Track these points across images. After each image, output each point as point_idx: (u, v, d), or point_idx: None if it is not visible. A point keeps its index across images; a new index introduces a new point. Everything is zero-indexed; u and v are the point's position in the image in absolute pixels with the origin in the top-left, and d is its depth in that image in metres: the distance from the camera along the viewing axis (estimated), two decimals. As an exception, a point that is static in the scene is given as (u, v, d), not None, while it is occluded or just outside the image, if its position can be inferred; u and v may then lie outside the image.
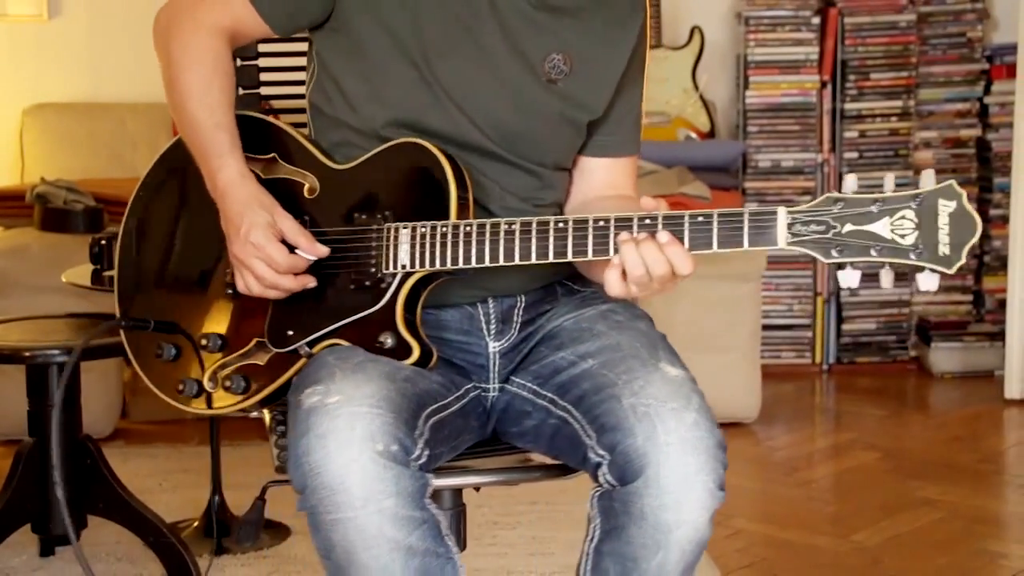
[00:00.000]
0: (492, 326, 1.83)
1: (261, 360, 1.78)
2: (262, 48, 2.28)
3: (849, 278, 1.55)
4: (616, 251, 1.60)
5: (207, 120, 1.76)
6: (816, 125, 4.54)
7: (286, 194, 1.77)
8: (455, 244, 1.68)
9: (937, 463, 3.58)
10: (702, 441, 1.60)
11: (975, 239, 1.51)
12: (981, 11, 4.54)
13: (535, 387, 1.79)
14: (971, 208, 1.51)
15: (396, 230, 1.72)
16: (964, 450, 3.72)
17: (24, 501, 2.61)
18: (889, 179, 1.57)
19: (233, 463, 3.18)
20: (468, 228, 1.68)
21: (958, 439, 3.82)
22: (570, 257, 1.64)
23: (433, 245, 1.70)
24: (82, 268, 3.05)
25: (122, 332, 1.91)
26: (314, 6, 1.79)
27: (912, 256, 1.52)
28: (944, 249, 1.51)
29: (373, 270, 1.73)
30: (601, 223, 1.61)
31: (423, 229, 1.70)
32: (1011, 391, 4.16)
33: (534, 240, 1.66)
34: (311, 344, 1.75)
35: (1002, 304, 4.31)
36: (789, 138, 4.54)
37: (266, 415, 1.88)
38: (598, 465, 1.63)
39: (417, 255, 1.71)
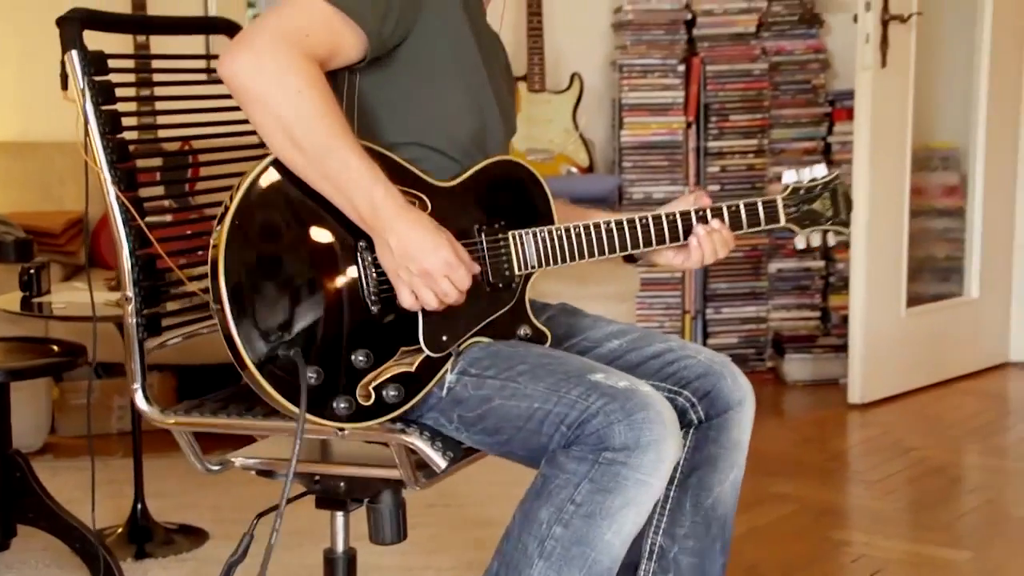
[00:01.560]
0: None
1: (411, 367, 1.75)
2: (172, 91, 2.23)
3: (800, 242, 2.01)
4: (689, 236, 1.93)
5: (351, 145, 1.68)
6: (683, 161, 4.56)
7: None
8: (571, 243, 1.86)
9: (790, 461, 3.62)
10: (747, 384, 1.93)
11: (852, 209, 2.05)
12: (823, 61, 4.61)
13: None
14: (846, 188, 2.05)
15: (521, 236, 1.84)
16: (813, 450, 3.76)
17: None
18: (820, 168, 2.04)
19: (154, 473, 3.13)
20: (577, 229, 1.87)
21: (808, 440, 3.86)
22: (654, 246, 1.93)
23: (553, 246, 1.86)
24: (12, 295, 2.98)
25: (263, 370, 1.68)
26: (403, 23, 1.76)
27: (833, 222, 2.02)
28: (844, 216, 2.03)
29: (508, 273, 1.83)
30: (671, 218, 1.92)
31: (543, 234, 1.85)
32: (853, 397, 4.21)
33: (628, 234, 1.90)
34: (460, 345, 1.79)
35: (845, 319, 4.35)
36: (659, 172, 4.55)
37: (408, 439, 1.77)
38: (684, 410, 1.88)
39: (543, 255, 1.85)
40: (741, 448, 1.93)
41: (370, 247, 1.73)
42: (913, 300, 4.40)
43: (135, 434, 2.96)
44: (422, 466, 1.78)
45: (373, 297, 1.73)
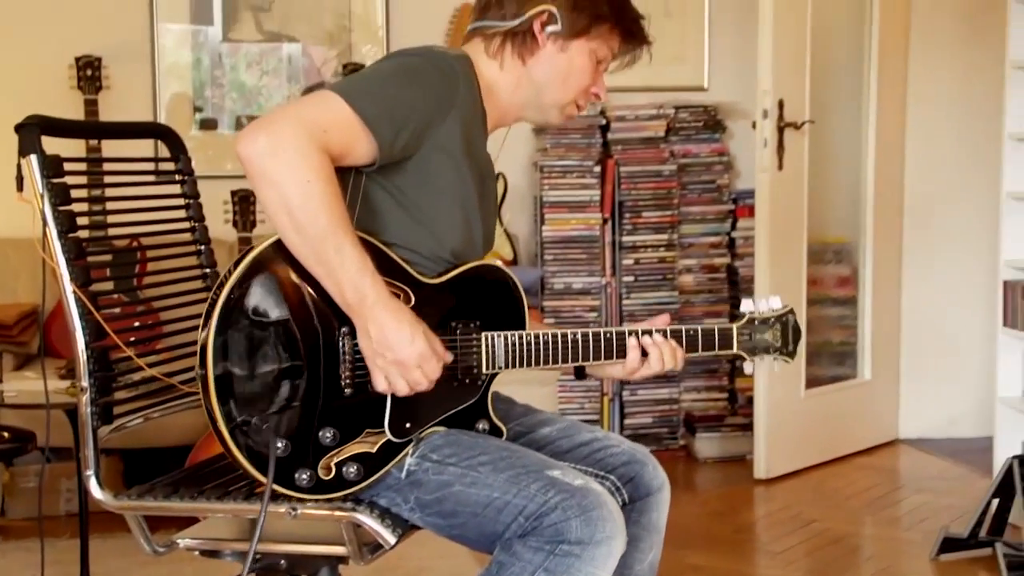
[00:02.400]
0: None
1: (372, 447, 1.76)
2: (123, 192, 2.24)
3: (749, 367, 2.04)
4: (643, 352, 1.95)
5: (347, 235, 1.70)
6: (600, 254, 4.60)
7: None
8: (539, 349, 1.87)
9: (701, 534, 3.64)
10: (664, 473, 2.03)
11: (803, 340, 2.09)
12: (727, 163, 4.71)
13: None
14: (799, 323, 2.07)
15: (493, 338, 1.85)
16: (723, 523, 3.78)
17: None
18: (776, 300, 2.06)
19: (100, 554, 3.07)
20: (546, 337, 1.88)
21: (718, 513, 3.88)
22: (615, 358, 1.94)
23: (522, 351, 1.87)
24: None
25: (235, 434, 1.71)
26: (413, 142, 1.80)
27: (781, 352, 2.04)
28: (791, 348, 2.06)
29: (476, 370, 1.85)
30: (629, 333, 1.95)
31: (514, 338, 1.86)
32: (759, 472, 4.24)
33: (591, 347, 1.91)
34: (421, 432, 1.81)
35: (751, 400, 4.39)
36: (578, 265, 4.59)
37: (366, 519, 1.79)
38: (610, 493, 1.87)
39: (510, 357, 1.86)
40: (659, 530, 2.01)
41: (351, 334, 1.75)
42: (812, 382, 4.46)
43: (82, 516, 2.91)
44: (366, 542, 1.79)
45: (347, 380, 1.75)
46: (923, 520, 3.78)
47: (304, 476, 1.72)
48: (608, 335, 1.93)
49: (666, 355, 1.95)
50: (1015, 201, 3.86)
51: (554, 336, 1.89)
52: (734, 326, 2.02)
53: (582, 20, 1.93)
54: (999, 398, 3.91)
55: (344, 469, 1.74)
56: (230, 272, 1.73)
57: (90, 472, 1.90)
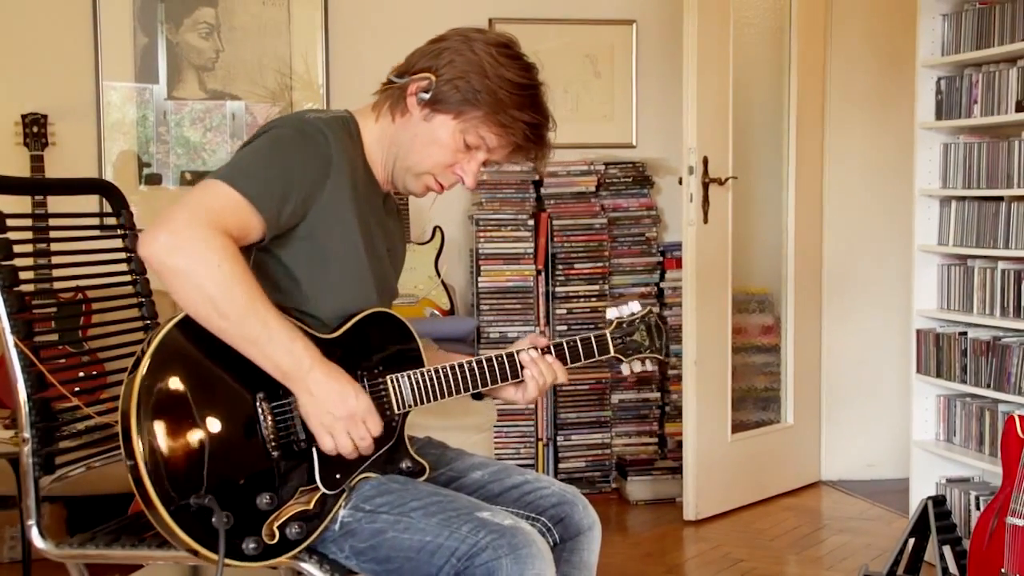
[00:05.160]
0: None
1: (308, 504, 1.75)
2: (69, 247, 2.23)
3: (626, 369, 2.09)
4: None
5: (267, 308, 1.70)
6: (534, 304, 4.63)
7: None
8: (441, 382, 1.89)
9: (634, 574, 3.65)
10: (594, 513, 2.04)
11: (667, 337, 2.12)
12: (655, 217, 4.76)
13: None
14: (661, 321, 2.12)
15: (398, 379, 1.86)
16: (654, 563, 3.79)
17: None
18: (635, 304, 2.11)
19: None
20: (444, 371, 1.90)
21: (649, 554, 3.89)
22: (510, 380, 1.97)
23: (426, 386, 1.88)
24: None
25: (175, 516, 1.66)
26: (299, 209, 1.80)
27: (651, 351, 2.08)
28: (659, 344, 2.10)
29: (388, 412, 1.84)
30: (517, 352, 1.97)
31: (416, 376, 1.87)
32: (688, 514, 4.26)
33: (487, 371, 1.94)
34: (351, 481, 1.80)
35: (680, 444, 4.42)
36: (513, 314, 4.61)
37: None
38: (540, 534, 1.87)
39: (418, 395, 1.87)
40: (590, 568, 2.01)
41: (267, 398, 1.74)
42: (737, 427, 4.51)
43: (25, 564, 2.86)
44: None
45: (272, 443, 1.74)
46: (844, 559, 3.81)
47: (251, 544, 1.71)
48: (500, 358, 1.96)
49: (543, 370, 1.98)
50: (926, 254, 3.95)
51: (452, 368, 1.92)
52: (607, 332, 2.07)
53: (453, 98, 1.90)
54: (914, 441, 3.97)
55: (287, 530, 1.73)
56: (140, 357, 1.70)
57: (31, 522, 1.88)
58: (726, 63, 4.29)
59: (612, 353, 2.07)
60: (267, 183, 1.76)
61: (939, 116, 3.88)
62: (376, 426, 1.77)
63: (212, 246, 1.67)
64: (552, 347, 2.02)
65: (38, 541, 1.87)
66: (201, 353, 1.71)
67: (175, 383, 1.70)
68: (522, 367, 1.98)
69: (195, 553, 1.67)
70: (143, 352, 1.70)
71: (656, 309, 2.16)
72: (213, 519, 1.65)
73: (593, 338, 2.06)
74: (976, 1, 3.75)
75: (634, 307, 2.11)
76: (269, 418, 1.73)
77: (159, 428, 1.67)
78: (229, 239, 1.70)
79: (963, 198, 3.79)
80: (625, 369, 2.10)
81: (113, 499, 3.54)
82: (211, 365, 1.72)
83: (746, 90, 4.54)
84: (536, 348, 2.00)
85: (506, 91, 1.90)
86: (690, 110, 4.16)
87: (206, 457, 1.69)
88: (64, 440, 1.99)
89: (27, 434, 1.87)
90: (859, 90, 4.85)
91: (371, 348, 1.88)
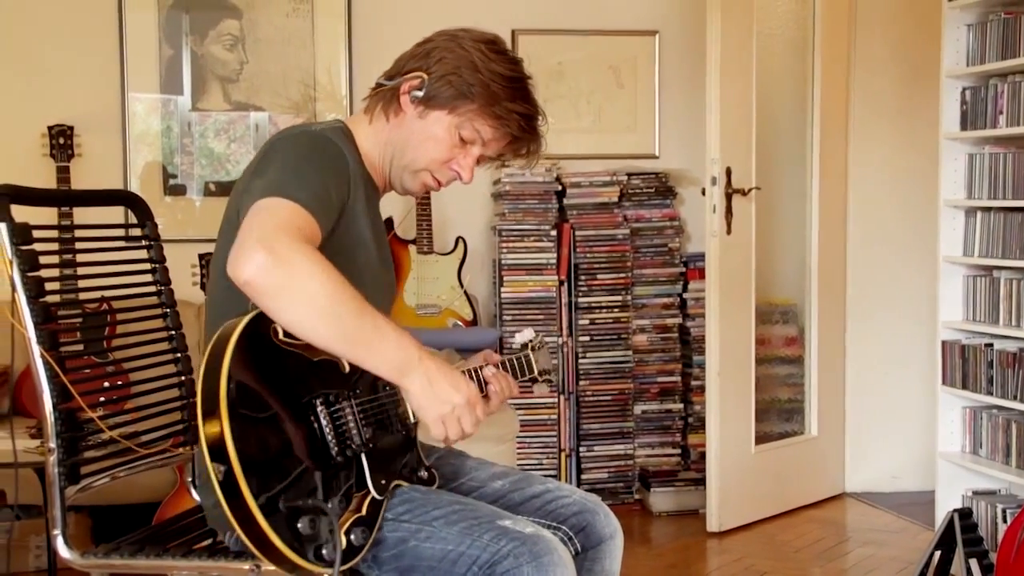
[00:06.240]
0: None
1: (362, 510, 1.74)
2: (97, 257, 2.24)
3: (537, 389, 2.13)
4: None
5: (371, 307, 1.69)
6: (556, 314, 4.61)
7: (330, 369, 1.74)
8: None
9: (656, 587, 3.64)
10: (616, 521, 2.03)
11: (558, 359, 2.13)
12: (678, 228, 4.75)
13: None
14: (548, 344, 2.18)
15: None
16: (678, 575, 3.78)
17: None
18: (528, 331, 2.18)
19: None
20: None
21: (672, 566, 3.87)
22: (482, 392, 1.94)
23: None
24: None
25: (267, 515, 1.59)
26: (336, 214, 1.83)
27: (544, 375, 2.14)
28: (549, 366, 2.16)
29: (406, 420, 1.83)
30: (481, 368, 1.99)
31: None
32: (712, 525, 4.24)
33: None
34: (391, 486, 1.81)
35: (703, 456, 4.40)
36: (536, 325, 4.57)
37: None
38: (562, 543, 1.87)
39: None
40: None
41: (325, 402, 1.71)
42: (761, 438, 4.49)
43: (51, 572, 2.87)
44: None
45: (335, 448, 1.71)
46: (869, 572, 3.78)
47: (329, 549, 1.65)
48: (468, 373, 1.95)
49: (504, 385, 1.99)
50: (951, 265, 3.92)
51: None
52: (530, 352, 2.13)
53: (446, 93, 1.92)
54: (939, 453, 3.94)
55: (352, 536, 1.69)
56: (218, 362, 1.61)
57: (57, 531, 1.88)
58: (749, 73, 4.28)
59: (536, 373, 2.12)
60: (311, 190, 1.76)
61: (964, 127, 3.85)
62: (484, 412, 1.80)
63: (310, 257, 1.64)
64: (502, 363, 2.06)
65: (63, 551, 1.88)
66: (266, 361, 1.67)
67: (251, 390, 1.63)
68: (486, 383, 1.98)
69: (292, 567, 1.60)
70: (216, 357, 1.61)
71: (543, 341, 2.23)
72: (319, 528, 1.60)
73: (523, 358, 2.11)
74: (1001, 11, 3.72)
75: (528, 335, 2.17)
76: (330, 424, 1.72)
77: (246, 434, 1.59)
78: (312, 245, 1.69)
79: (988, 209, 3.77)
80: (537, 389, 2.16)
81: (139, 509, 3.56)
82: (273, 376, 1.67)
83: (769, 100, 4.52)
84: (493, 365, 2.03)
85: (498, 84, 1.92)
86: (713, 120, 4.15)
87: (287, 465, 1.64)
88: (90, 450, 2.00)
89: (52, 444, 1.88)
90: (883, 100, 4.83)
91: None
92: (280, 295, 1.62)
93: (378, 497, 1.77)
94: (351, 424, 1.74)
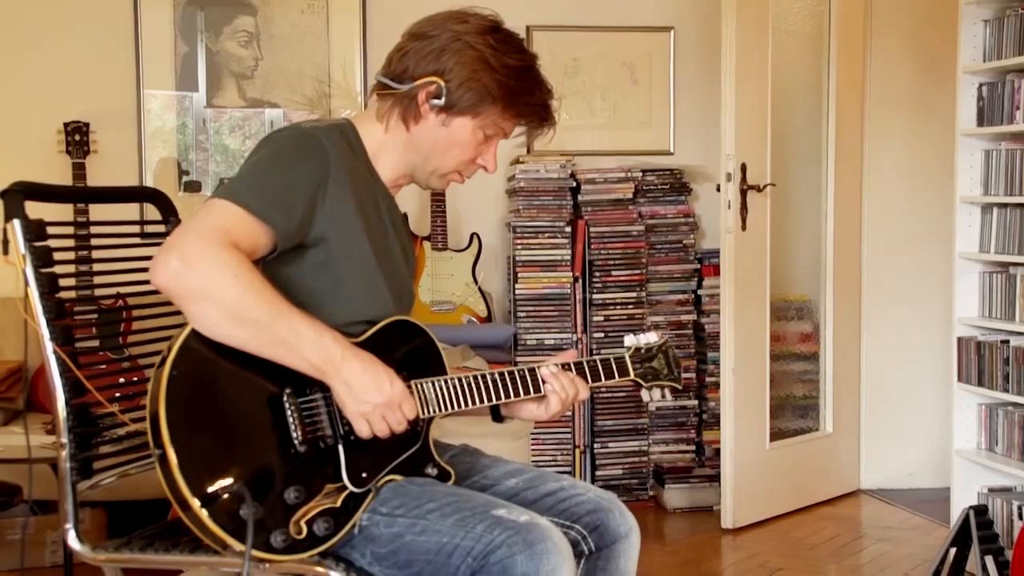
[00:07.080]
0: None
1: (336, 502, 1.75)
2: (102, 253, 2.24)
3: (645, 396, 2.09)
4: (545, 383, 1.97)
5: (290, 308, 1.71)
6: (571, 311, 4.60)
7: None
8: (462, 391, 1.89)
9: (670, 583, 3.63)
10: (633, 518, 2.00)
11: (680, 369, 2.12)
12: (692, 224, 4.73)
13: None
14: (675, 352, 2.12)
15: (422, 384, 1.86)
16: (692, 572, 3.76)
17: None
18: (652, 335, 2.12)
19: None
20: (467, 380, 1.90)
21: (687, 563, 3.86)
22: (532, 394, 1.96)
23: (450, 393, 1.88)
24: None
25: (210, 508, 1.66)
26: (307, 219, 1.80)
27: (669, 379, 2.09)
28: (676, 374, 2.11)
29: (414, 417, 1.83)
30: (538, 367, 1.97)
31: (440, 383, 1.88)
32: (726, 522, 4.23)
33: (509, 383, 1.93)
34: (378, 481, 1.80)
35: (717, 452, 4.39)
36: (550, 321, 4.59)
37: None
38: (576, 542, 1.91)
39: (442, 401, 1.87)
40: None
41: (294, 393, 1.74)
42: (776, 435, 4.47)
43: (67, 568, 2.88)
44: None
45: (299, 439, 1.74)
46: (884, 569, 3.77)
47: (279, 538, 1.70)
48: (521, 371, 1.96)
49: (565, 384, 1.97)
50: (967, 261, 3.89)
51: (475, 377, 1.92)
52: (626, 355, 2.08)
53: (468, 99, 1.90)
54: (955, 450, 3.92)
55: (314, 527, 1.72)
56: (167, 354, 1.69)
57: (69, 526, 1.89)
58: (765, 69, 4.27)
59: (632, 376, 2.07)
60: (269, 194, 1.76)
61: (980, 122, 3.83)
62: (411, 410, 1.79)
63: (225, 260, 1.66)
64: (573, 365, 2.02)
65: (75, 545, 1.88)
66: (227, 351, 1.71)
67: (202, 377, 1.70)
68: (543, 381, 1.97)
69: (223, 545, 1.66)
70: (169, 349, 1.70)
71: (670, 344, 2.18)
72: (242, 510, 1.64)
73: (613, 359, 2.06)
74: (1018, 7, 3.70)
75: (651, 337, 2.12)
76: (296, 414, 1.73)
77: (187, 419, 1.66)
78: (240, 252, 1.70)
79: (1005, 205, 3.74)
80: (645, 395, 2.10)
81: (154, 504, 3.56)
82: (236, 364, 1.72)
83: (785, 96, 4.51)
84: (556, 364, 2.00)
85: (514, 80, 1.92)
86: (728, 117, 4.14)
87: (234, 449, 1.69)
88: (104, 445, 2.00)
89: (64, 439, 1.88)
90: (899, 96, 4.80)
91: (395, 354, 1.87)
92: (191, 302, 1.66)
93: (356, 490, 1.77)
94: (322, 416, 1.76)
